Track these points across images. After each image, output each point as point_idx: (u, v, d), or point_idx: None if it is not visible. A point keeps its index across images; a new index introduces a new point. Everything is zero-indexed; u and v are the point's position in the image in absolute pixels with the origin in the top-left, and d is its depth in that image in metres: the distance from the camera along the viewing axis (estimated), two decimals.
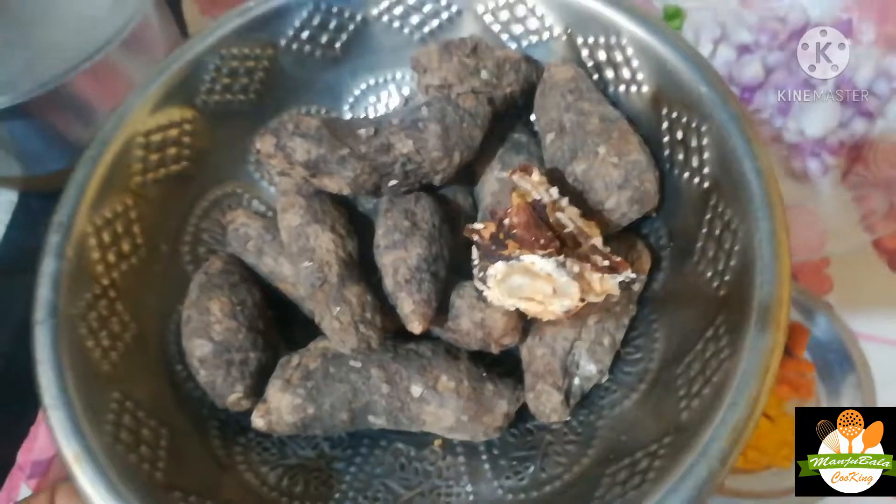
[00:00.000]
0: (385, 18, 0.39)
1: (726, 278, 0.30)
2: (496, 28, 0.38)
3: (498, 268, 0.30)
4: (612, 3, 0.35)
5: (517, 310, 0.31)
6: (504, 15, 0.38)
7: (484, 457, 0.32)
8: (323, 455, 0.33)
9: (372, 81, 0.41)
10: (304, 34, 0.39)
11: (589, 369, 0.31)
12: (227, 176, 0.39)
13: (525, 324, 0.32)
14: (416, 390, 0.30)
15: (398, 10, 0.39)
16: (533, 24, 0.37)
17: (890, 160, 0.57)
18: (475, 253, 0.31)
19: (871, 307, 0.55)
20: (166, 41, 0.66)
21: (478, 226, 0.31)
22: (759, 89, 0.60)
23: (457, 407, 0.30)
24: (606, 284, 0.29)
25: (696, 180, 0.33)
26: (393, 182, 0.33)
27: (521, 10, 0.37)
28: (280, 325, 0.35)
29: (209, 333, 0.32)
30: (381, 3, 0.38)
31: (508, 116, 0.37)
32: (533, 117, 0.37)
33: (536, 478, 0.30)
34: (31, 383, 0.30)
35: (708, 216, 0.31)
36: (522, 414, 0.32)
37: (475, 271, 0.31)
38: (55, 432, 0.28)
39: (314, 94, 0.40)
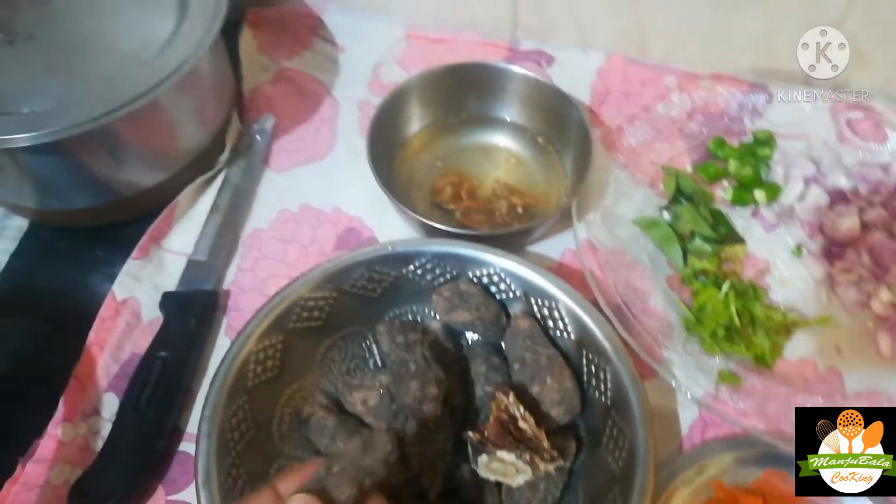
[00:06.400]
0: (410, 276, 0.61)
1: (620, 463, 0.51)
2: (483, 284, 0.60)
3: (483, 458, 0.50)
4: (552, 281, 0.58)
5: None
6: (486, 280, 0.60)
7: None
8: None
9: (398, 312, 0.62)
10: (359, 283, 0.60)
11: None
12: (301, 375, 0.58)
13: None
14: None
15: (419, 272, 0.60)
16: (503, 287, 0.60)
17: None
18: (470, 448, 0.51)
19: None
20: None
21: (471, 435, 0.50)
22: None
23: None
24: (548, 467, 0.50)
25: (602, 399, 0.54)
26: None
27: (496, 278, 0.60)
28: None
29: None
30: (409, 267, 0.60)
31: (490, 345, 0.58)
32: (503, 346, 0.59)
33: None
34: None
35: (609, 422, 0.53)
36: None
37: (470, 459, 0.51)
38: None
39: (359, 319, 0.61)
